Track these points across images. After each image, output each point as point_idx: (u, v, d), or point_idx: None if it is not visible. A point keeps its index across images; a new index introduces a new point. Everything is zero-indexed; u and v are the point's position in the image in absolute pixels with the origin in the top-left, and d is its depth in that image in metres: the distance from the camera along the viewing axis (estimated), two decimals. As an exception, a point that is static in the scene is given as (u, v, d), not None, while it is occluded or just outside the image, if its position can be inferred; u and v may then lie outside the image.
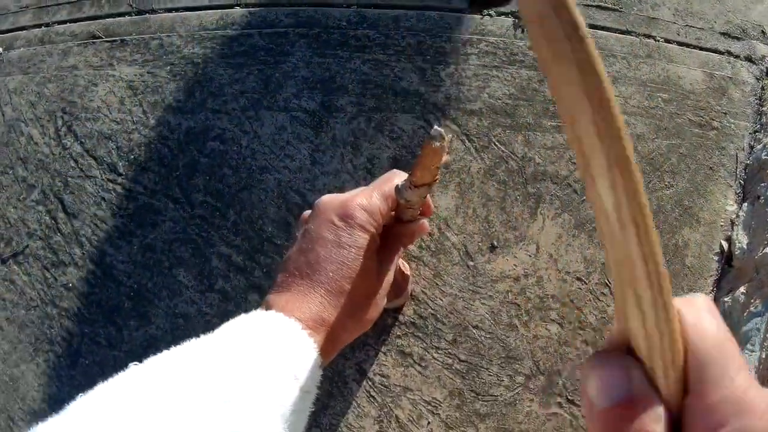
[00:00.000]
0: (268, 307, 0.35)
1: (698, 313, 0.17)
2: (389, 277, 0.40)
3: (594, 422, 0.17)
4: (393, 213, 0.40)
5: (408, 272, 0.62)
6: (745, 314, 0.86)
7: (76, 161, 0.89)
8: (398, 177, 0.38)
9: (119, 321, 0.81)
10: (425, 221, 0.39)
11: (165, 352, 0.29)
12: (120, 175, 0.84)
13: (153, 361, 0.29)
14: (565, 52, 0.14)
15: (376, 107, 0.77)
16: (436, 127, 0.32)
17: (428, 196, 0.40)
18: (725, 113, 0.92)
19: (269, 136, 0.78)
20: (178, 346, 0.30)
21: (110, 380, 0.27)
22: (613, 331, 0.17)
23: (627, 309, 0.16)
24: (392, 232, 0.41)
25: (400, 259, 0.63)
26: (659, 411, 0.16)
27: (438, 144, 0.30)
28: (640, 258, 0.15)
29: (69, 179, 0.89)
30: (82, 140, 0.89)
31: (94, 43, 0.94)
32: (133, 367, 0.28)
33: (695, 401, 0.16)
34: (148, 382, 0.27)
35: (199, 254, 0.77)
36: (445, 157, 0.32)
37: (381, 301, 0.40)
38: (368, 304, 0.38)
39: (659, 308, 0.15)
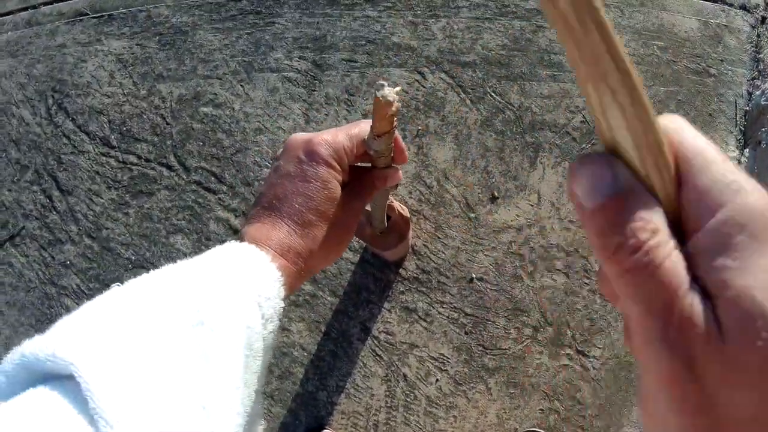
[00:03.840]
0: (241, 238, 0.36)
1: (677, 121, 0.16)
2: (356, 213, 0.42)
3: (588, 227, 0.15)
4: (363, 156, 0.43)
5: (407, 214, 0.61)
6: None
7: (68, 138, 0.87)
8: (366, 123, 0.41)
9: (119, 294, 0.80)
10: (399, 170, 0.42)
11: (144, 275, 0.30)
12: (113, 147, 0.83)
13: (133, 283, 0.29)
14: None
15: (368, 63, 0.76)
16: (379, 81, 0.34)
17: (402, 144, 0.43)
18: (722, 60, 0.91)
19: (262, 98, 0.77)
20: (156, 270, 0.30)
21: (94, 299, 0.27)
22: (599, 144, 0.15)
23: (605, 107, 0.15)
24: (367, 174, 0.43)
25: (398, 204, 0.62)
26: (653, 202, 0.15)
27: (383, 96, 0.33)
28: (606, 52, 0.14)
29: (62, 156, 0.87)
30: (74, 116, 0.88)
31: (81, 20, 0.93)
32: (115, 288, 0.29)
33: (688, 191, 0.15)
34: (126, 303, 0.27)
35: (197, 220, 0.76)
36: (396, 105, 0.34)
37: (349, 234, 0.41)
38: (336, 235, 0.39)
39: (636, 99, 0.15)
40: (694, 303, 0.14)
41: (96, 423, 0.21)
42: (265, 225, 0.36)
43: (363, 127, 0.39)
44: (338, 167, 0.38)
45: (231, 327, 0.29)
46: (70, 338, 0.24)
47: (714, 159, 0.15)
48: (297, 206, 0.36)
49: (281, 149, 0.41)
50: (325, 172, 0.37)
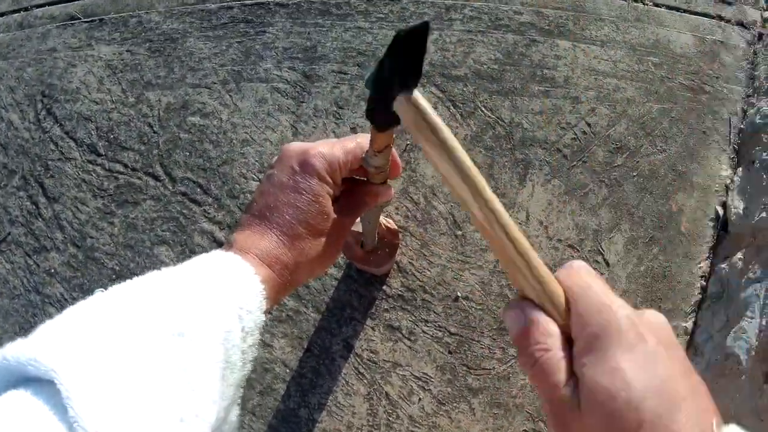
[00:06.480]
0: (229, 245, 0.35)
1: (570, 270, 0.26)
2: (345, 228, 0.42)
3: (517, 350, 0.25)
4: (357, 170, 0.42)
5: (394, 227, 0.60)
6: (743, 280, 0.84)
7: (56, 144, 0.87)
8: (363, 138, 0.40)
9: (102, 304, 0.79)
10: (391, 188, 0.42)
11: (128, 281, 0.31)
12: (100, 155, 0.83)
13: (116, 289, 0.30)
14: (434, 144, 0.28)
15: (359, 75, 0.76)
16: None
17: (397, 159, 0.42)
18: (717, 77, 0.90)
19: (250, 108, 0.76)
20: (141, 277, 0.31)
21: (78, 304, 0.28)
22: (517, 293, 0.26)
23: (517, 278, 0.26)
24: (358, 190, 0.42)
25: (385, 218, 0.62)
26: (550, 328, 0.25)
27: None
28: (513, 249, 0.25)
29: (49, 162, 0.87)
30: (62, 122, 0.87)
31: (72, 24, 0.92)
32: (99, 293, 0.29)
33: (572, 317, 0.24)
34: (109, 311, 0.28)
35: (182, 231, 0.75)
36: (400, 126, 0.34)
37: (336, 249, 0.41)
38: (323, 249, 0.39)
39: (533, 271, 0.25)
40: (566, 389, 0.23)
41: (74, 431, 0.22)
42: (255, 234, 0.35)
43: (360, 142, 0.39)
44: (331, 181, 0.38)
45: (210, 339, 0.29)
46: (52, 344, 0.24)
47: (590, 290, 0.24)
48: (287, 217, 0.35)
49: (276, 157, 0.41)
50: (317, 186, 0.37)
